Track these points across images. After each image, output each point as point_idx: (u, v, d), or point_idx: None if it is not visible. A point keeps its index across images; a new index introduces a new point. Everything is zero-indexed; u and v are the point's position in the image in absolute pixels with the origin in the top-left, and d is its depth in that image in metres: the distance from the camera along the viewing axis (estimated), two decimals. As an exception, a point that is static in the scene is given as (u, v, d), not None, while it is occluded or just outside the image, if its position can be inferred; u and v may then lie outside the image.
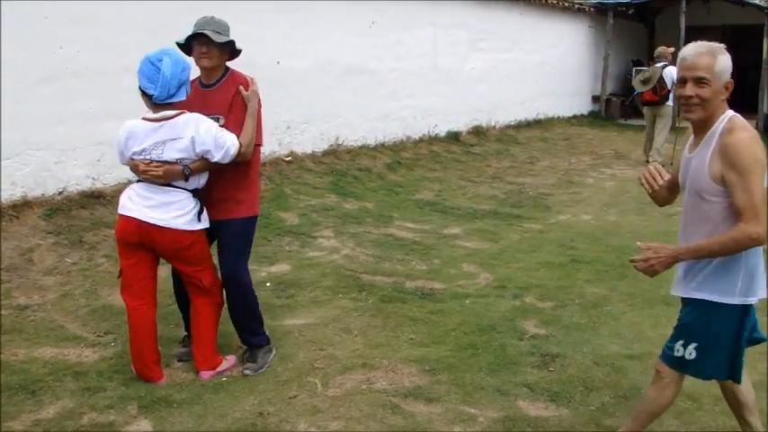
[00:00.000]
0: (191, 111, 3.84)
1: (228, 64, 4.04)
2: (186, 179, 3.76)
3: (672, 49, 10.81)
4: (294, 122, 9.06)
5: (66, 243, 6.10)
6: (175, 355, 4.27)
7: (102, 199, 6.78)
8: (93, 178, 6.89)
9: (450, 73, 12.02)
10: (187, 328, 4.33)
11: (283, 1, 8.64)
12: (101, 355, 4.30)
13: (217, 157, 3.72)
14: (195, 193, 3.84)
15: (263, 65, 8.39)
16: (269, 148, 8.67)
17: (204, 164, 3.78)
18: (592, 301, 5.12)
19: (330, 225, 7.08)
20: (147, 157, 3.73)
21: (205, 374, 4.01)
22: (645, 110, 11.44)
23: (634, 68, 17.44)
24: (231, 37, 3.94)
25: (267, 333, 4.27)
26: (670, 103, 10.73)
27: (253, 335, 4.18)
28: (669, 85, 10.37)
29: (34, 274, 5.61)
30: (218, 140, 3.70)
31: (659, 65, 10.81)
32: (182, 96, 3.72)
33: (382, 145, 10.39)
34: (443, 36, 11.67)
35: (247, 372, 4.02)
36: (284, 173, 8.49)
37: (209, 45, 3.83)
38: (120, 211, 3.83)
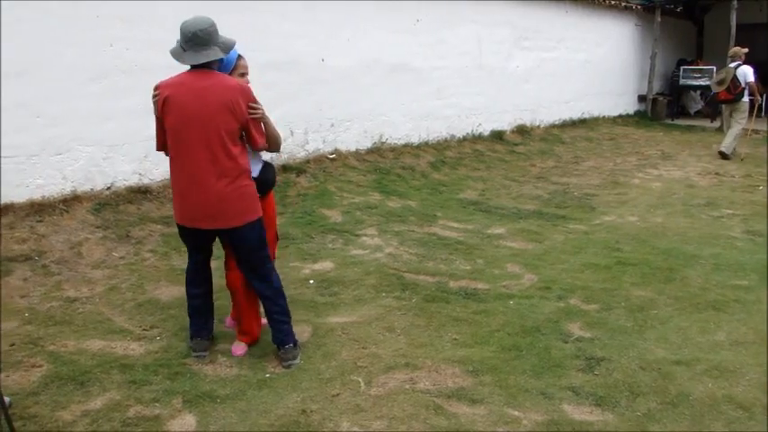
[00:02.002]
0: None
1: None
2: None
3: (746, 50, 11.53)
4: (338, 120, 9.10)
5: (114, 237, 6.22)
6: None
7: (149, 194, 6.90)
8: (140, 174, 7.01)
9: (494, 71, 11.96)
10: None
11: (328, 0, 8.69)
12: (146, 348, 4.37)
13: None
14: None
15: (308, 62, 8.47)
16: (313, 145, 8.74)
17: None
18: (638, 305, 5.04)
19: (374, 223, 7.10)
20: None
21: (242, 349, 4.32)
22: (722, 107, 12.15)
23: (681, 68, 17.19)
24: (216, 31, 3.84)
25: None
26: (746, 99, 11.34)
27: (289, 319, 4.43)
28: (742, 84, 11.10)
29: (83, 268, 5.73)
30: None
31: (733, 65, 11.33)
32: None
33: (426, 143, 10.38)
34: (487, 34, 11.61)
35: (298, 362, 4.18)
36: (328, 170, 8.53)
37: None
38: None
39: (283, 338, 4.13)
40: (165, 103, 3.76)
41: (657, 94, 17.22)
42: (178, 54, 3.77)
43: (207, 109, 3.70)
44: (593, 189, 9.25)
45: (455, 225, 7.21)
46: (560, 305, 5.04)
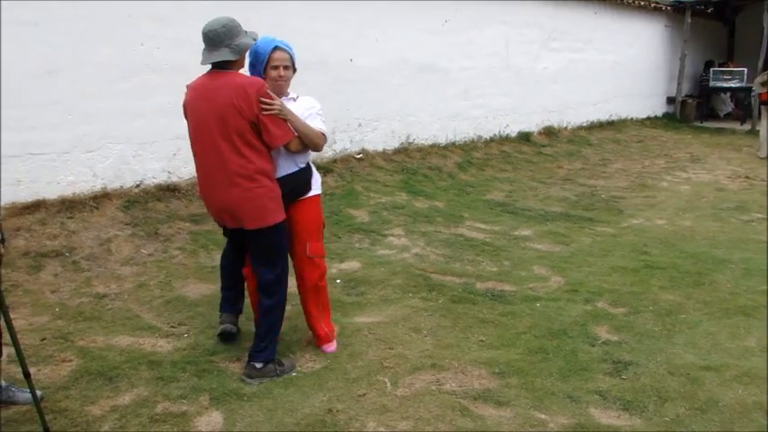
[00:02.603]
0: None
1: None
2: None
3: None
4: (365, 120, 9.11)
5: (143, 234, 6.28)
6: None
7: (177, 192, 6.95)
8: (168, 172, 7.07)
9: (522, 72, 11.91)
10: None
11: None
12: (174, 345, 4.41)
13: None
14: None
15: (336, 62, 8.49)
16: (341, 145, 8.77)
17: None
18: (666, 309, 5.00)
19: (400, 223, 7.10)
20: None
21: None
22: (762, 109, 12.15)
23: (712, 70, 17.00)
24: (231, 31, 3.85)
25: None
26: None
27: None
28: None
29: (112, 264, 5.79)
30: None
31: None
32: None
33: (453, 144, 10.36)
34: (515, 35, 11.56)
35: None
36: (355, 170, 8.55)
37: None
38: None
39: (255, 354, 4.02)
40: (186, 106, 3.88)
41: (686, 96, 17.04)
42: (202, 54, 3.85)
43: (216, 110, 3.69)
44: (620, 192, 9.18)
45: (482, 226, 7.20)
46: (587, 308, 5.01)
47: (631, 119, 15.27)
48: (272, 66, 3.93)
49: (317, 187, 4.17)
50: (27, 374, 3.15)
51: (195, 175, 4.03)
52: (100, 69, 6.50)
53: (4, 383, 3.63)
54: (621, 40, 14.57)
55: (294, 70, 4.08)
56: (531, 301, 5.13)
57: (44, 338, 4.45)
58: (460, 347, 4.36)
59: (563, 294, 5.29)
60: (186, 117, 3.89)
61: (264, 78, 3.88)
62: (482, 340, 4.47)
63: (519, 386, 3.86)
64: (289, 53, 3.99)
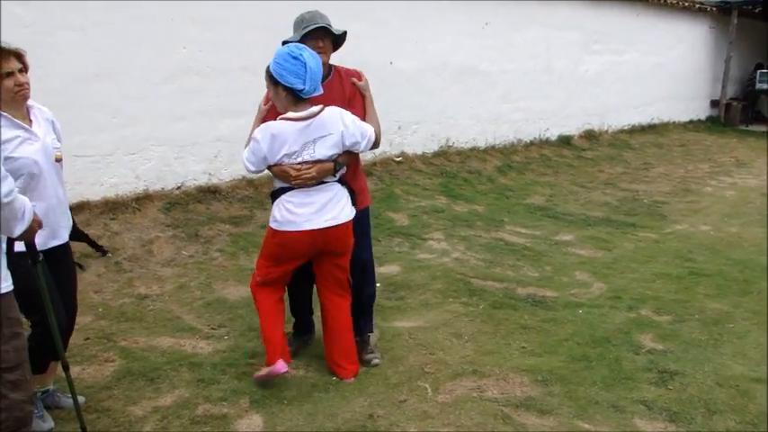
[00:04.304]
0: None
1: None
2: (335, 174, 3.70)
3: None
4: (405, 123, 9.09)
5: (183, 236, 6.33)
6: None
7: (218, 194, 6.99)
8: (209, 174, 7.12)
9: (563, 75, 11.78)
10: (297, 330, 4.44)
11: (397, 1, 8.67)
12: (214, 347, 4.43)
13: (362, 147, 3.71)
14: (341, 180, 3.78)
15: (376, 65, 8.46)
16: (380, 148, 8.72)
17: (349, 156, 3.75)
18: (713, 318, 4.89)
19: (440, 227, 7.06)
20: (299, 159, 3.59)
21: (351, 379, 4.04)
22: None
23: (758, 72, 16.65)
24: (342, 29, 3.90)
25: None
26: None
27: (372, 321, 4.35)
28: None
29: (153, 265, 5.85)
30: (363, 130, 3.69)
31: None
32: (320, 90, 3.59)
33: (493, 147, 10.29)
34: (557, 37, 11.44)
35: (376, 360, 4.15)
36: (394, 173, 8.53)
37: (326, 38, 3.74)
38: (283, 227, 3.70)
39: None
40: None
41: (731, 98, 16.71)
42: None
43: None
44: (663, 196, 9.03)
45: (522, 231, 7.13)
46: (631, 316, 4.92)
47: (674, 122, 15.03)
48: None
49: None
50: (66, 367, 3.19)
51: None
52: (143, 72, 6.58)
53: (52, 388, 3.68)
54: (664, 42, 14.33)
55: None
56: (573, 308, 5.05)
57: (88, 338, 4.51)
58: (502, 354, 4.31)
59: (606, 301, 5.21)
60: None
61: None
62: (524, 347, 4.41)
63: (562, 394, 3.81)
64: None
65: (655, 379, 3.98)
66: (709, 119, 16.34)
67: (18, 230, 2.30)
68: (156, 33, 6.61)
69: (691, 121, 15.67)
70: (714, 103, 16.62)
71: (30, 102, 3.24)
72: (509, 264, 6.05)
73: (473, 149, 9.97)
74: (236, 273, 5.70)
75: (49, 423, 3.42)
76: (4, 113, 3.05)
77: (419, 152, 9.25)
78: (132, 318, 4.91)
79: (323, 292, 4.01)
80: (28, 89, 3.11)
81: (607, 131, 12.86)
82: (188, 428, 3.52)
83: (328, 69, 3.86)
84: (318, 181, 3.65)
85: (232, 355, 4.32)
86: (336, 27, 3.84)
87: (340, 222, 3.70)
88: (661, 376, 4.01)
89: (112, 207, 6.43)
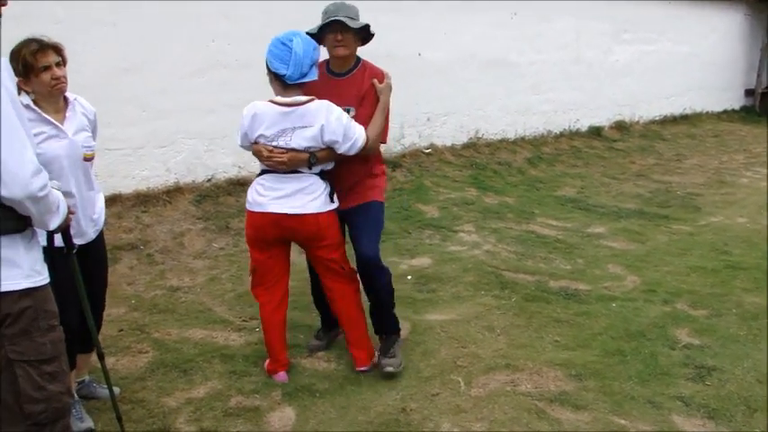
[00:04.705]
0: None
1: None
2: (310, 168, 3.62)
3: None
4: (434, 114, 9.04)
5: (214, 228, 6.36)
6: (308, 347, 4.32)
7: (248, 186, 6.95)
8: (239, 166, 7.14)
9: (593, 66, 11.63)
10: (325, 323, 4.39)
11: (426, -8, 8.62)
12: (246, 339, 4.44)
13: (343, 148, 3.58)
14: (322, 175, 3.70)
15: (404, 56, 8.44)
16: (409, 139, 8.72)
17: (330, 154, 3.63)
18: (751, 312, 4.79)
19: (471, 219, 7.02)
20: (273, 143, 3.58)
21: (364, 368, 4.00)
22: None
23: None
24: (364, 22, 3.77)
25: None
26: None
27: (392, 321, 4.08)
28: None
29: (185, 258, 5.89)
30: (348, 131, 3.56)
31: None
32: (313, 76, 3.57)
33: (522, 139, 10.20)
34: (586, 27, 11.29)
35: (389, 369, 3.90)
36: (424, 165, 8.49)
37: (345, 32, 3.64)
38: (251, 207, 3.73)
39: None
40: None
41: (767, 88, 16.38)
42: None
43: None
44: (697, 188, 8.88)
45: (554, 223, 7.06)
46: (666, 309, 4.85)
47: (707, 112, 14.77)
48: None
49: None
50: (101, 356, 3.22)
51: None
52: (173, 66, 6.61)
53: (87, 378, 3.72)
54: (697, 31, 14.07)
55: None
56: (607, 301, 4.99)
57: (121, 329, 4.55)
58: (535, 348, 4.27)
59: (640, 294, 5.13)
60: None
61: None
62: (557, 340, 4.37)
63: (596, 389, 3.76)
64: None
65: (692, 375, 3.92)
66: (744, 108, 16.02)
67: (53, 224, 2.30)
68: (185, 28, 6.63)
69: (725, 111, 15.38)
70: (749, 93, 16.28)
71: (72, 96, 3.25)
72: (541, 256, 5.99)
73: (502, 141, 9.89)
74: (267, 265, 5.70)
75: (87, 423, 3.45)
76: (35, 108, 3.06)
77: (448, 144, 9.19)
78: (164, 309, 4.95)
79: (322, 280, 3.97)
80: (64, 83, 3.12)
81: (638, 122, 12.68)
82: (221, 421, 3.54)
83: (355, 63, 3.81)
84: (291, 168, 3.61)
85: (263, 347, 4.30)
86: (362, 20, 3.75)
87: (305, 212, 3.62)
88: (698, 372, 3.94)
89: (144, 200, 6.47)
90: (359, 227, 3.88)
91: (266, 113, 3.60)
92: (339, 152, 3.60)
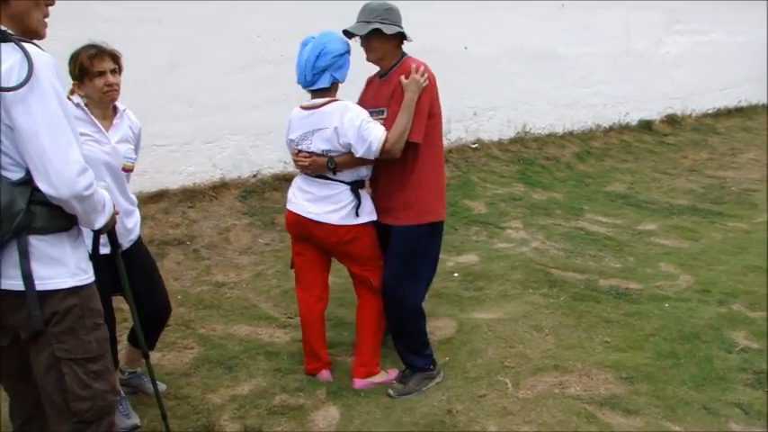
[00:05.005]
0: (364, 103, 3.64)
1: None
2: (333, 173, 3.55)
3: None
4: (481, 109, 8.93)
5: (260, 224, 6.37)
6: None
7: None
8: (284, 162, 7.13)
9: (643, 57, 11.36)
10: None
11: (473, -17, 8.51)
12: (291, 336, 4.43)
13: (360, 151, 3.42)
14: (355, 185, 3.61)
15: (450, 51, 8.35)
16: (455, 134, 8.63)
17: (350, 158, 3.50)
18: (813, 314, 4.62)
19: (518, 216, 6.91)
20: (299, 147, 3.60)
21: (358, 383, 3.83)
22: None
23: None
24: (401, 21, 3.58)
25: (433, 357, 3.89)
26: None
27: (412, 354, 3.82)
28: None
29: (230, 253, 5.91)
30: (362, 133, 3.39)
31: None
32: (325, 83, 3.49)
33: (570, 133, 10.01)
34: (636, 18, 11.02)
35: (390, 392, 3.74)
36: (470, 160, 8.39)
37: (371, 36, 3.51)
38: (287, 204, 3.77)
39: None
40: (436, 87, 3.61)
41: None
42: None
43: None
44: (753, 184, 8.60)
45: (603, 219, 6.90)
46: (722, 311, 4.68)
47: (763, 105, 14.31)
48: None
49: None
50: (146, 355, 3.23)
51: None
52: (218, 62, 6.64)
53: (139, 370, 3.75)
54: (752, 20, 13.63)
55: None
56: (659, 301, 4.84)
57: (168, 325, 4.54)
58: (584, 348, 4.16)
59: (693, 294, 4.98)
60: (437, 93, 3.63)
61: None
62: (607, 341, 4.25)
63: (649, 393, 3.64)
64: None
65: (750, 380, 3.76)
66: (802, 101, 15.53)
67: (99, 223, 2.30)
68: (231, 24, 6.64)
69: (781, 103, 14.92)
70: (807, 84, 15.77)
71: (122, 106, 3.28)
72: (590, 254, 5.86)
73: (550, 135, 9.72)
74: (312, 261, 5.68)
75: (134, 420, 3.47)
76: (84, 108, 3.08)
77: (495, 138, 9.07)
78: (210, 305, 4.97)
79: (352, 281, 3.93)
80: (116, 91, 3.14)
81: (690, 115, 12.36)
82: (265, 419, 3.53)
83: (396, 62, 3.63)
84: (316, 173, 3.59)
85: (307, 345, 4.31)
86: (406, 15, 3.64)
87: (320, 221, 3.57)
88: (757, 377, 3.78)
89: (190, 195, 6.51)
90: (387, 250, 3.72)
91: (294, 118, 3.66)
92: (357, 155, 3.47)
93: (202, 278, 5.47)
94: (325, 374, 3.92)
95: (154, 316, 3.52)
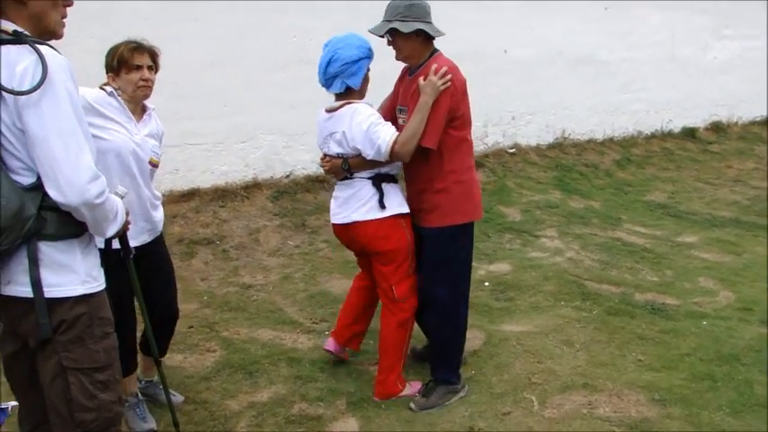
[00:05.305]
0: (395, 97, 3.65)
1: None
2: (350, 174, 3.54)
3: None
4: (519, 113, 8.77)
5: (290, 226, 6.32)
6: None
7: (326, 184, 6.93)
8: (317, 163, 7.05)
9: (689, 63, 11.06)
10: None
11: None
12: (315, 343, 4.36)
13: (370, 154, 3.38)
14: (377, 179, 3.53)
15: (490, 53, 8.22)
16: (492, 138, 8.49)
17: (363, 160, 3.46)
18: None
19: (554, 224, 6.74)
20: (323, 150, 3.67)
21: (378, 398, 3.75)
22: None
23: None
24: (426, 16, 3.43)
25: (459, 371, 3.79)
26: None
27: (441, 365, 3.74)
28: None
29: (259, 255, 5.87)
30: (371, 136, 3.34)
31: None
32: (337, 88, 3.49)
33: (611, 140, 9.78)
34: (682, 22, 10.74)
35: (411, 405, 3.64)
36: (507, 165, 8.23)
37: (393, 35, 3.43)
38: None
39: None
40: (465, 88, 3.48)
41: None
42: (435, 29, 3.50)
43: None
44: (801, 196, 8.31)
45: (641, 230, 6.70)
46: (763, 331, 4.48)
47: (813, 114, 13.90)
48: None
49: None
50: (158, 363, 3.19)
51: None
52: (254, 61, 6.61)
53: (156, 379, 3.70)
54: (805, 27, 13.25)
55: None
56: (697, 318, 4.66)
57: (191, 326, 4.54)
58: (616, 366, 4.01)
59: (734, 312, 4.78)
60: (462, 100, 3.47)
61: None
62: (640, 360, 4.09)
63: (682, 418, 3.48)
64: None
65: (793, 408, 3.58)
66: None
67: (110, 232, 2.24)
68: (268, 22, 6.61)
69: (832, 112, 14.44)
70: None
71: (151, 106, 3.27)
72: (626, 266, 5.69)
73: (590, 141, 9.51)
74: (341, 266, 5.61)
75: (150, 424, 3.45)
76: (118, 97, 3.08)
77: (533, 144, 8.90)
78: (236, 307, 4.93)
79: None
80: (150, 88, 3.15)
81: (737, 123, 12.01)
82: (282, 428, 3.47)
83: (425, 60, 3.49)
84: (337, 176, 3.62)
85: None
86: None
87: (349, 221, 3.57)
88: (801, 406, 3.60)
89: (222, 194, 6.50)
90: (420, 255, 3.66)
91: (319, 121, 3.69)
92: (369, 158, 3.42)
93: (230, 279, 5.43)
94: (329, 343, 4.00)
95: (164, 320, 3.49)
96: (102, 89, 3.06)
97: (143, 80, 3.08)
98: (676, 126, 10.89)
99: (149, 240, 3.29)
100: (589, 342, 4.32)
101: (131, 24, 5.72)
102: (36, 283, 2.08)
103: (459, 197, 3.55)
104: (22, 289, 2.09)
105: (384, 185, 3.54)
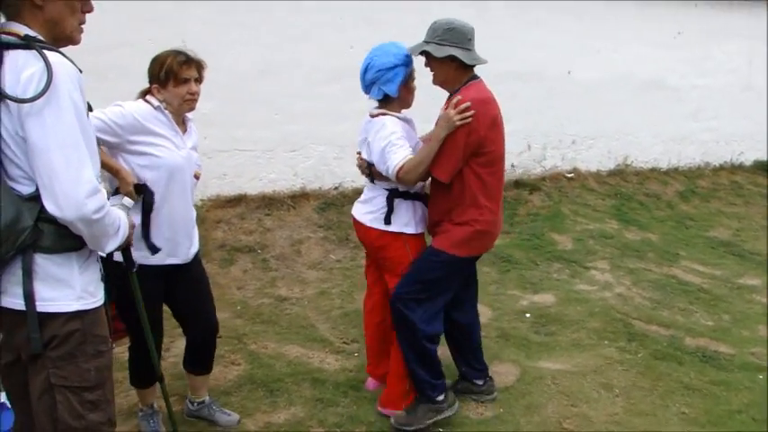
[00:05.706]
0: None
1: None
2: (371, 179, 3.61)
3: None
4: (580, 137, 8.49)
5: (334, 239, 6.23)
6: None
7: (375, 197, 6.82)
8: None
9: (765, 93, 10.59)
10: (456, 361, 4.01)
11: (580, 2, 8.09)
12: (342, 364, 4.26)
13: (382, 171, 3.41)
14: (393, 193, 3.51)
15: (553, 74, 8.00)
16: (551, 161, 8.25)
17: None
18: None
19: (606, 256, 6.45)
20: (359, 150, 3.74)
21: (385, 410, 3.72)
22: None
23: None
24: (467, 42, 3.33)
25: (446, 389, 3.65)
26: None
27: (416, 382, 3.60)
28: None
29: (299, 267, 5.79)
30: (385, 155, 3.34)
31: None
32: (375, 95, 3.49)
33: (675, 170, 9.40)
34: (762, 49, 10.28)
35: (392, 420, 3.59)
36: (564, 190, 7.96)
37: (428, 59, 3.38)
38: None
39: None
40: (496, 123, 3.35)
41: None
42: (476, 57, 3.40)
43: None
44: None
45: (700, 268, 6.35)
46: (827, 390, 4.16)
47: None
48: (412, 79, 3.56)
49: None
50: (161, 379, 3.13)
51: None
52: (308, 71, 6.56)
53: (208, 399, 3.63)
54: None
55: None
56: (753, 371, 4.36)
57: (220, 336, 4.40)
58: (657, 417, 3.76)
59: (795, 368, 4.46)
60: (495, 130, 3.36)
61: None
62: (684, 413, 3.83)
63: (726, 482, 3.22)
64: None
65: None
66: None
67: (109, 247, 2.16)
68: (324, 32, 6.54)
69: None
70: None
71: (190, 116, 3.23)
72: (679, 307, 5.38)
73: (653, 170, 9.15)
74: (380, 284, 5.46)
75: None
76: (165, 112, 3.03)
77: (593, 169, 8.61)
78: (267, 320, 4.86)
79: None
80: (196, 101, 3.11)
81: (815, 158, 11.45)
82: (296, 454, 3.34)
83: (460, 86, 3.38)
84: (370, 177, 3.63)
85: (357, 375, 4.12)
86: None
87: (358, 219, 3.68)
88: None
89: (268, 203, 6.47)
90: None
91: (363, 123, 3.72)
92: (380, 171, 3.45)
93: (266, 290, 5.36)
94: (370, 383, 3.98)
95: (200, 339, 3.44)
96: (148, 102, 3.00)
97: (190, 94, 3.04)
98: (748, 159, 10.43)
99: (187, 262, 3.23)
100: (630, 387, 4.07)
101: (189, 29, 5.75)
102: (29, 296, 2.02)
103: (468, 233, 3.43)
104: (16, 301, 2.03)
105: (397, 201, 3.53)
